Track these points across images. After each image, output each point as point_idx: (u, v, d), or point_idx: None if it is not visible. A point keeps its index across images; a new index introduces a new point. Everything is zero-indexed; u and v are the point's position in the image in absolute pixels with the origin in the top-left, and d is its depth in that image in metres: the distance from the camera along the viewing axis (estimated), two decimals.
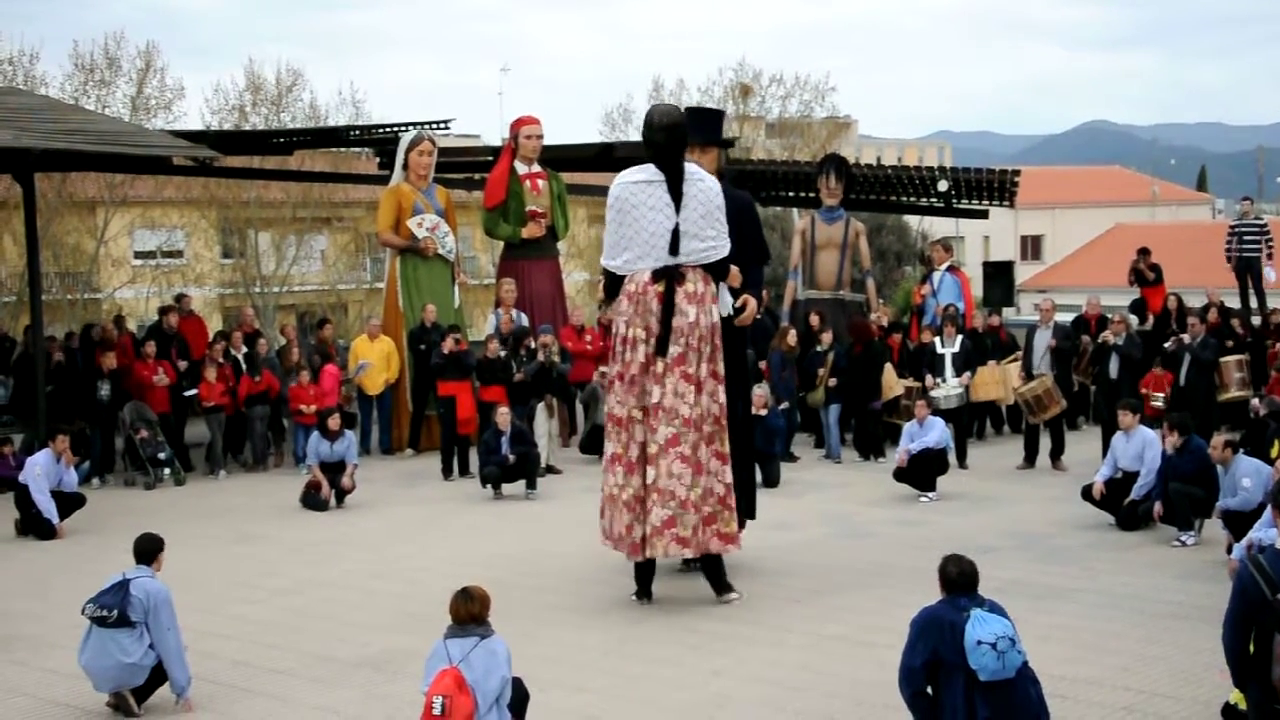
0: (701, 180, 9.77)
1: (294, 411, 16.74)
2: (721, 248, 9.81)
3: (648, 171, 9.70)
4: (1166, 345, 17.05)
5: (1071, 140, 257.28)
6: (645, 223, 9.65)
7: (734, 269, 10.08)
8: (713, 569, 10.12)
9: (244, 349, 17.53)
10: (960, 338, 16.58)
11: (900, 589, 9.89)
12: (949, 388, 16.01)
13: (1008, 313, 20.17)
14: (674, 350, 9.61)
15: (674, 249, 9.64)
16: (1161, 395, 15.50)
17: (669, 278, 9.65)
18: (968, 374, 16.23)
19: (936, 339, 16.67)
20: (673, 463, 9.59)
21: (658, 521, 9.60)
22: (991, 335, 17.99)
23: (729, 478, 9.86)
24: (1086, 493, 12.64)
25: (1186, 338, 16.71)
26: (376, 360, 17.62)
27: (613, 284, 10.05)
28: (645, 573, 10.12)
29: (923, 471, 14.02)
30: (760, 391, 14.87)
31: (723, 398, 9.83)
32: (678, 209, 9.62)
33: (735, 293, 10.24)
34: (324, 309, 35.78)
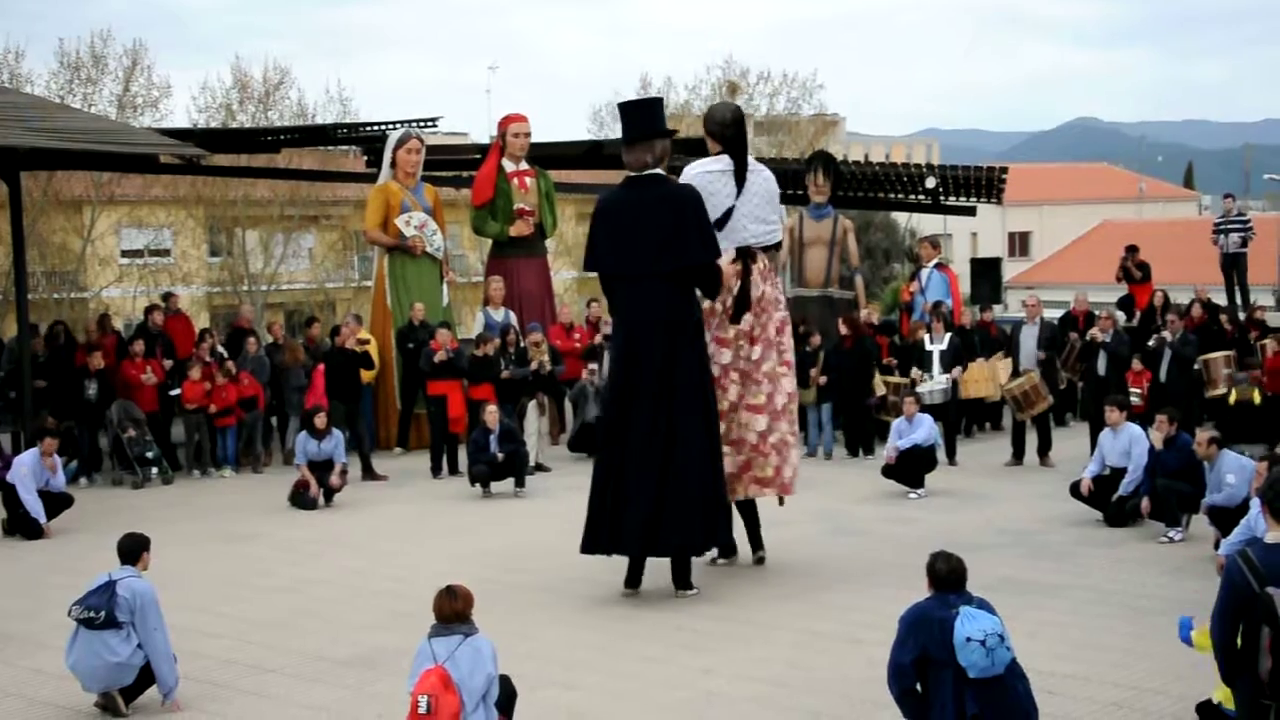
0: (761, 171, 10.77)
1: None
2: (778, 231, 10.89)
3: (721, 162, 10.55)
4: (1149, 343, 17.07)
5: (1059, 137, 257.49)
6: (720, 209, 10.38)
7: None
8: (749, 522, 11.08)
9: (224, 351, 17.34)
10: (949, 335, 16.60)
11: (889, 586, 9.90)
12: (934, 383, 16.03)
13: (995, 309, 20.24)
14: (747, 318, 10.48)
15: (720, 226, 10.30)
16: (1138, 391, 15.48)
17: (745, 256, 10.50)
18: (958, 369, 16.25)
19: (926, 336, 16.69)
20: (741, 413, 10.49)
21: (734, 468, 10.49)
22: (981, 332, 17.99)
23: (785, 431, 10.64)
24: (1075, 489, 12.66)
25: (1167, 334, 16.71)
26: None
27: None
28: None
29: (911, 468, 14.04)
30: None
31: (789, 355, 10.76)
32: (738, 194, 10.47)
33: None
34: (312, 307, 35.72)
